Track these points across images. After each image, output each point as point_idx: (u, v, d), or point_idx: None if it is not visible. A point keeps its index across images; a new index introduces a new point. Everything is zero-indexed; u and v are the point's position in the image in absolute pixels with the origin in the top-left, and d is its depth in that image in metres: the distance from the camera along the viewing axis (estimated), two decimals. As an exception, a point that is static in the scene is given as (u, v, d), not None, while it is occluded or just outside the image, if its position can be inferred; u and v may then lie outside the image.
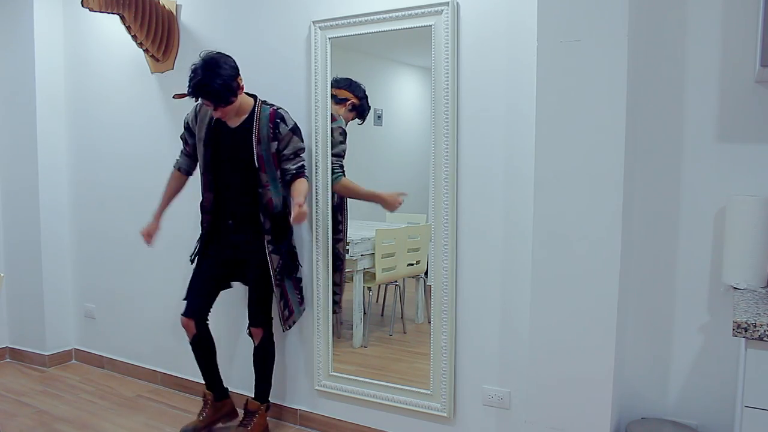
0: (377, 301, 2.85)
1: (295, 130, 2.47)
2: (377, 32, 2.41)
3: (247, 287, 2.63)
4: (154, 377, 3.35)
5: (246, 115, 2.46)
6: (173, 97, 2.82)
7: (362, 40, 2.49)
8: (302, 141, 2.50)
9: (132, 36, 2.93)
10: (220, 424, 2.74)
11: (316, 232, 2.63)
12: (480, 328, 2.31)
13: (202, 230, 2.61)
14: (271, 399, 2.90)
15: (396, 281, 2.78)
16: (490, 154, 2.24)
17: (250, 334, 2.62)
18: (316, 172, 2.61)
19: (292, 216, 2.25)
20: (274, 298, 2.55)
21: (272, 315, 2.64)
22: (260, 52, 2.77)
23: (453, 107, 2.26)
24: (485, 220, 2.27)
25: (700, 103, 1.87)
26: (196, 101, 2.45)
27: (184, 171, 2.68)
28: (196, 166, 2.66)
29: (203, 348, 2.66)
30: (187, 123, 2.60)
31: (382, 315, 2.84)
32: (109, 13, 2.77)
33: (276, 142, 2.43)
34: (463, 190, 2.30)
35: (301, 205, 2.22)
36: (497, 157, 2.22)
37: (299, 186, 2.41)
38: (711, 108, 1.86)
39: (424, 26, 2.29)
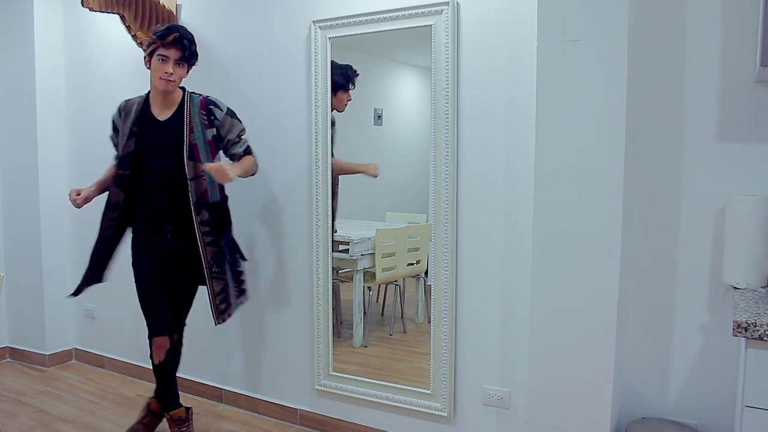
0: (377, 301, 2.85)
1: (232, 113, 2.42)
2: (377, 32, 2.41)
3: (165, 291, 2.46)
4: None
5: (176, 107, 2.37)
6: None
7: (362, 40, 2.49)
8: (241, 122, 2.44)
9: (132, 36, 2.93)
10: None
11: (316, 232, 2.63)
12: (480, 328, 2.31)
13: (109, 231, 2.42)
14: (271, 399, 2.91)
15: (396, 281, 2.78)
16: (491, 154, 2.24)
17: (154, 345, 2.39)
18: (316, 172, 2.61)
19: (207, 166, 2.19)
20: (208, 292, 2.39)
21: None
22: (260, 51, 2.77)
23: (453, 107, 2.26)
24: (485, 220, 2.27)
25: (700, 103, 1.87)
26: (158, 44, 2.27)
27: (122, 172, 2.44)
28: None
29: (170, 364, 2.49)
30: (113, 122, 2.46)
31: (382, 315, 2.84)
32: (109, 12, 2.77)
33: (213, 129, 2.36)
34: (463, 190, 2.30)
35: (224, 167, 2.17)
36: (497, 156, 2.22)
37: (243, 160, 2.37)
38: (711, 108, 1.86)
39: (424, 26, 2.29)
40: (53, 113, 3.56)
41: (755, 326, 1.33)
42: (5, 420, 2.86)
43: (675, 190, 1.93)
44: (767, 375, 1.36)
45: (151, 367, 2.52)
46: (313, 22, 2.55)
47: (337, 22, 2.49)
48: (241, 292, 2.54)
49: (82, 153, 3.56)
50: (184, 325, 2.59)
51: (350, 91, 2.58)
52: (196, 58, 2.36)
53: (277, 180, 2.78)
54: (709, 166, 1.87)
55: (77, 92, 3.55)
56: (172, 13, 3.02)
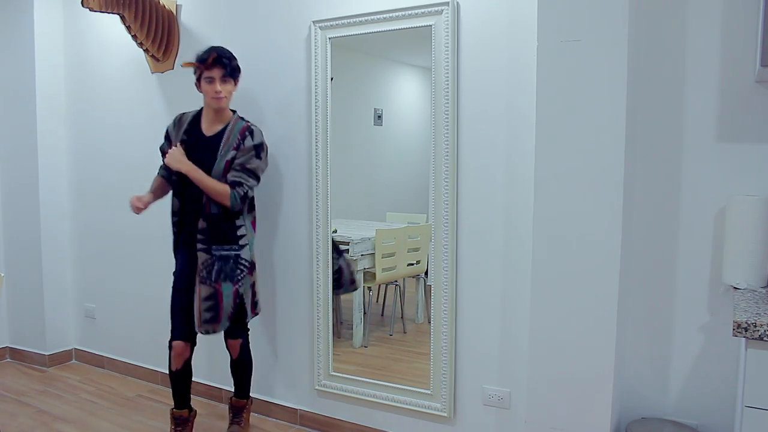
0: (377, 301, 2.85)
1: (258, 148, 2.42)
2: (377, 32, 2.41)
3: None
4: (154, 377, 3.35)
5: (223, 126, 2.45)
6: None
7: (362, 40, 2.49)
8: (260, 160, 2.43)
9: (132, 36, 2.93)
10: None
11: (316, 233, 2.63)
12: (480, 327, 2.31)
13: (174, 236, 2.54)
14: (271, 399, 2.91)
15: (396, 281, 2.78)
16: (490, 154, 2.24)
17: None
18: (316, 172, 2.61)
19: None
20: (195, 296, 2.39)
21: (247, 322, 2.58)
22: (260, 52, 2.77)
23: (453, 107, 2.26)
24: (485, 220, 2.27)
25: (700, 103, 1.88)
26: (201, 68, 2.40)
27: (166, 178, 2.59)
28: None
29: (187, 375, 2.52)
30: (167, 132, 2.57)
31: (382, 315, 2.84)
32: (109, 13, 2.77)
33: (235, 152, 2.40)
34: (463, 190, 2.30)
35: (175, 152, 2.38)
36: (497, 157, 2.22)
37: (220, 183, 2.36)
38: (711, 108, 1.86)
39: (424, 26, 2.29)
40: (53, 114, 3.56)
41: (755, 326, 1.33)
42: (5, 420, 2.86)
43: (675, 190, 1.93)
44: (767, 375, 1.36)
45: (168, 373, 2.51)
46: (313, 22, 2.55)
47: (337, 22, 2.49)
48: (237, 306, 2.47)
49: (82, 154, 3.56)
50: (247, 329, 2.60)
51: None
52: (239, 72, 2.46)
53: (277, 180, 2.78)
54: (709, 166, 1.87)
55: (77, 93, 3.55)
56: (172, 13, 3.02)
